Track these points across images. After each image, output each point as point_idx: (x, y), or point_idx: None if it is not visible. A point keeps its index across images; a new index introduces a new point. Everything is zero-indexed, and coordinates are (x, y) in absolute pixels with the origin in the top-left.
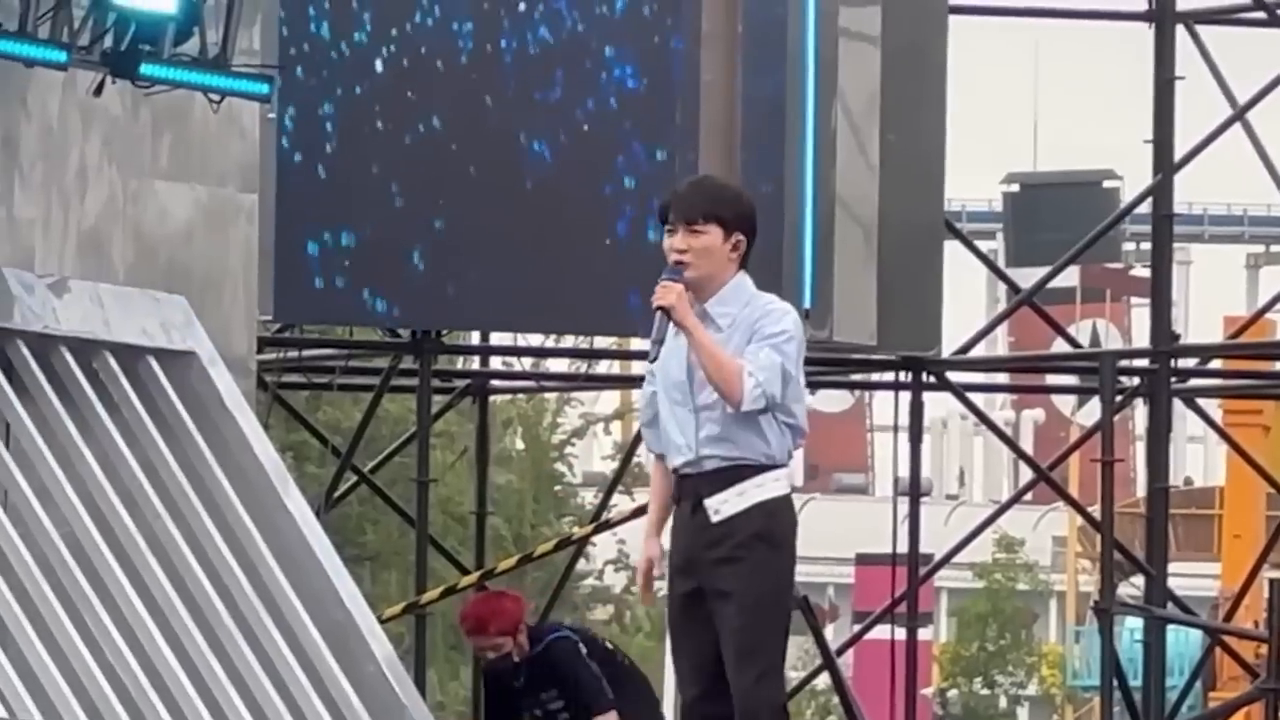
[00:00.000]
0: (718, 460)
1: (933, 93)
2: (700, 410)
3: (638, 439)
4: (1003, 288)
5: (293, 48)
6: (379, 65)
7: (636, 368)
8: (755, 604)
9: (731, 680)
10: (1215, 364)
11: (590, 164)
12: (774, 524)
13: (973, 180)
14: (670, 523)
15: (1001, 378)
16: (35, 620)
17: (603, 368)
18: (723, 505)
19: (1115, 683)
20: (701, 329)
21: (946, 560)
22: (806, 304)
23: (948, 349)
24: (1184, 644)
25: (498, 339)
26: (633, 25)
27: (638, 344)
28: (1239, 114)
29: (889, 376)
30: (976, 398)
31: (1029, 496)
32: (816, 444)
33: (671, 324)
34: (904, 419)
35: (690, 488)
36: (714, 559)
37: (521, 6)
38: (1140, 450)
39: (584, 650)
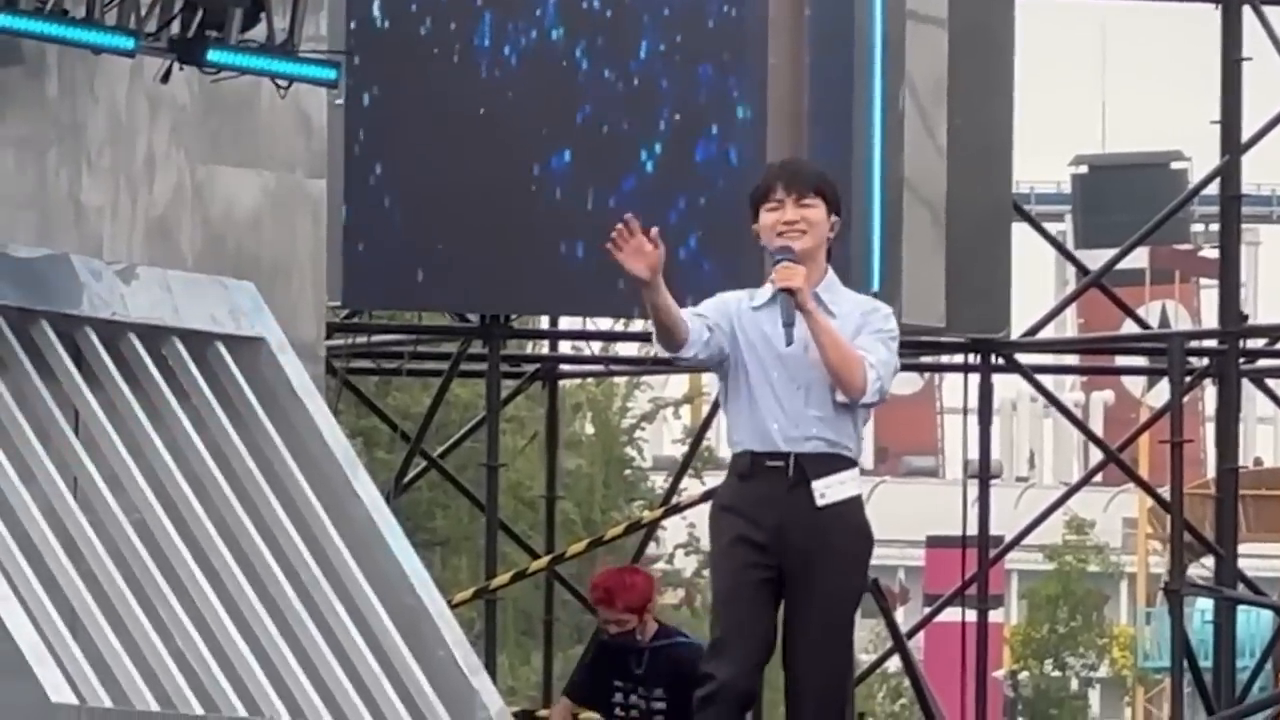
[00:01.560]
0: (821, 444)
1: (1000, 75)
2: (809, 389)
3: (707, 422)
4: (1071, 270)
5: (364, 33)
6: (454, 55)
7: None
8: (849, 598)
9: (811, 662)
10: None
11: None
12: (867, 520)
13: (1041, 162)
14: (736, 495)
15: (1070, 359)
16: (106, 607)
17: None
18: (828, 490)
19: (1185, 664)
20: (821, 312)
21: (1016, 542)
22: (875, 286)
23: (1016, 331)
24: (1255, 625)
25: (567, 323)
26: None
27: None
28: None
29: (958, 359)
30: (1045, 379)
31: (1099, 478)
32: (886, 427)
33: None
34: (973, 401)
35: (784, 466)
36: (817, 545)
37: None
38: (1210, 431)
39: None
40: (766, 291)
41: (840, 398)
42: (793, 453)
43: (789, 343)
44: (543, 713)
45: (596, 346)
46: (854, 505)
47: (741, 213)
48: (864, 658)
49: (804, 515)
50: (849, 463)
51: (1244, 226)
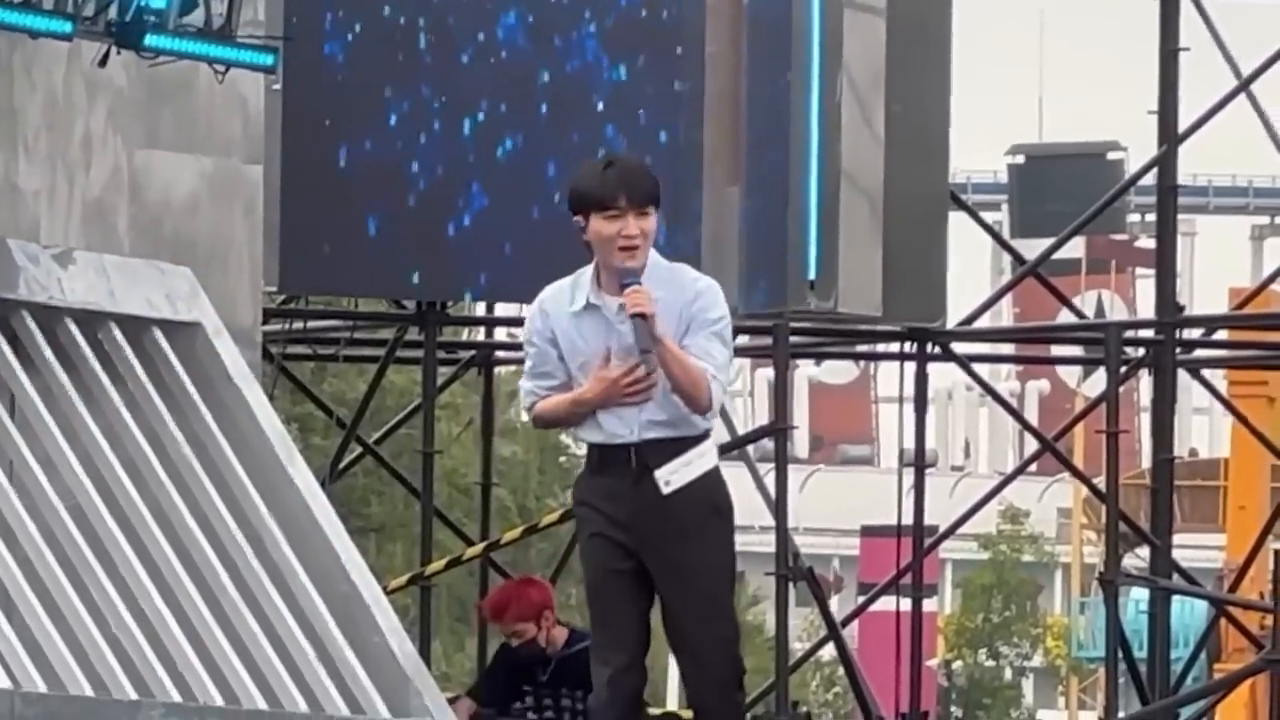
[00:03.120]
0: (661, 429)
1: (938, 64)
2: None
3: None
4: (1008, 259)
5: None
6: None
7: None
8: (721, 572)
9: (701, 646)
10: (1220, 335)
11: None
12: (720, 493)
13: (978, 152)
14: (588, 489)
15: (1006, 349)
16: (40, 590)
17: None
18: (672, 476)
19: (1120, 654)
20: (669, 337)
21: (951, 532)
22: (811, 274)
23: (952, 320)
24: (1189, 615)
25: (503, 310)
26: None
27: None
28: (1243, 85)
29: (894, 348)
30: (981, 369)
31: (1034, 468)
32: (821, 415)
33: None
34: (909, 390)
35: (627, 458)
36: (668, 532)
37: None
38: (1145, 422)
39: None
40: (581, 293)
41: None
42: (633, 444)
43: (650, 370)
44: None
45: None
46: (706, 483)
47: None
48: (797, 646)
49: (652, 505)
50: (695, 440)
51: (1180, 217)
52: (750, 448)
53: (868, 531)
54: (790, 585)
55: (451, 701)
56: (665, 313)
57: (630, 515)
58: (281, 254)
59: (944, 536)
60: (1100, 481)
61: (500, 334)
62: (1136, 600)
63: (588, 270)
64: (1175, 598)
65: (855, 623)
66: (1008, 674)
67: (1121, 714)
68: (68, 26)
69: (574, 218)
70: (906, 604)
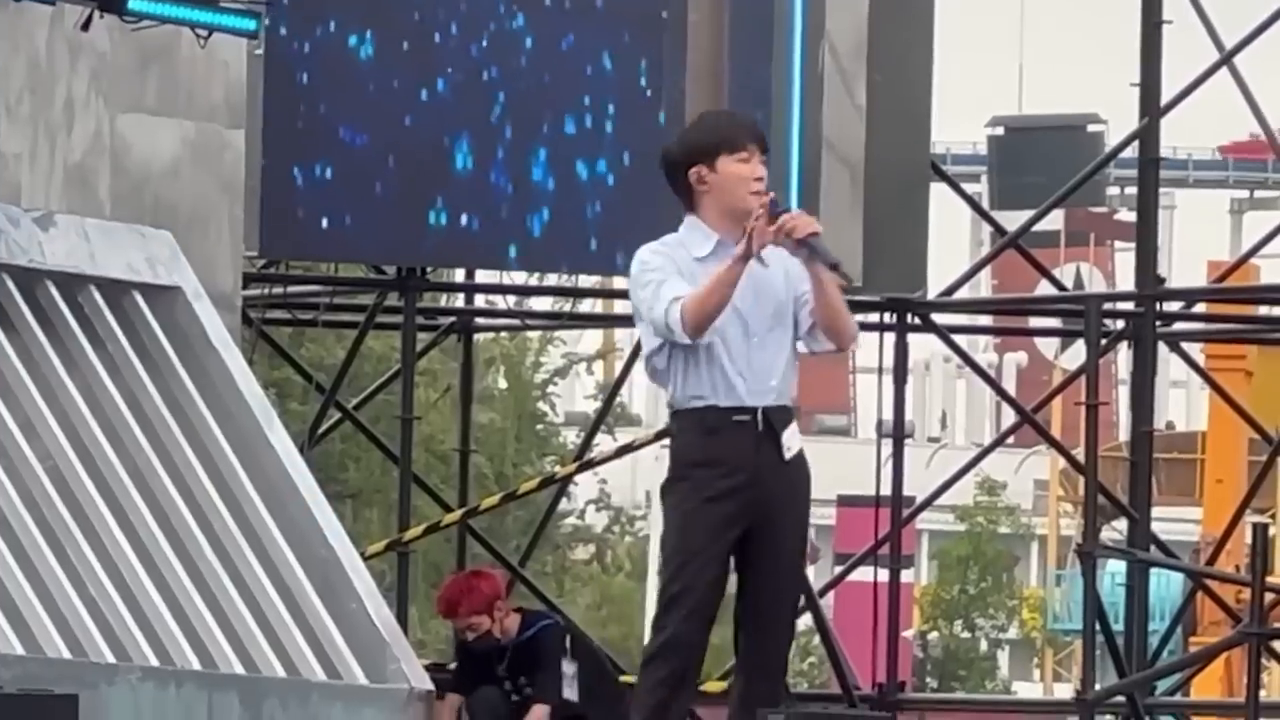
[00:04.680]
0: (780, 395)
1: (920, 35)
2: (764, 342)
3: (620, 379)
4: (987, 230)
5: None
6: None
7: (619, 307)
8: (804, 547)
9: (778, 619)
10: (1199, 309)
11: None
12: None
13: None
14: (704, 451)
15: (985, 320)
16: (17, 552)
17: (585, 307)
18: (791, 441)
19: (1097, 626)
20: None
21: (928, 503)
22: None
23: (932, 291)
24: (1166, 588)
25: (482, 276)
26: None
27: (620, 283)
28: (1225, 59)
29: (873, 318)
30: (960, 340)
31: (1011, 439)
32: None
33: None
34: (888, 361)
35: (753, 420)
36: (783, 495)
37: None
38: (1123, 394)
39: (567, 645)
40: (703, 240)
41: (799, 349)
42: (759, 406)
43: (848, 282)
44: (453, 665)
45: (511, 301)
46: (805, 457)
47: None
48: None
49: (773, 469)
50: (793, 414)
51: (1160, 190)
52: None
53: (844, 502)
54: None
55: (439, 696)
56: (772, 270)
57: (751, 477)
58: (262, 218)
59: (921, 508)
60: (1078, 453)
61: (479, 300)
62: (1113, 573)
63: (689, 227)
64: (1152, 571)
65: (832, 593)
66: (983, 646)
67: (1098, 686)
68: None
69: (688, 169)
70: (883, 575)
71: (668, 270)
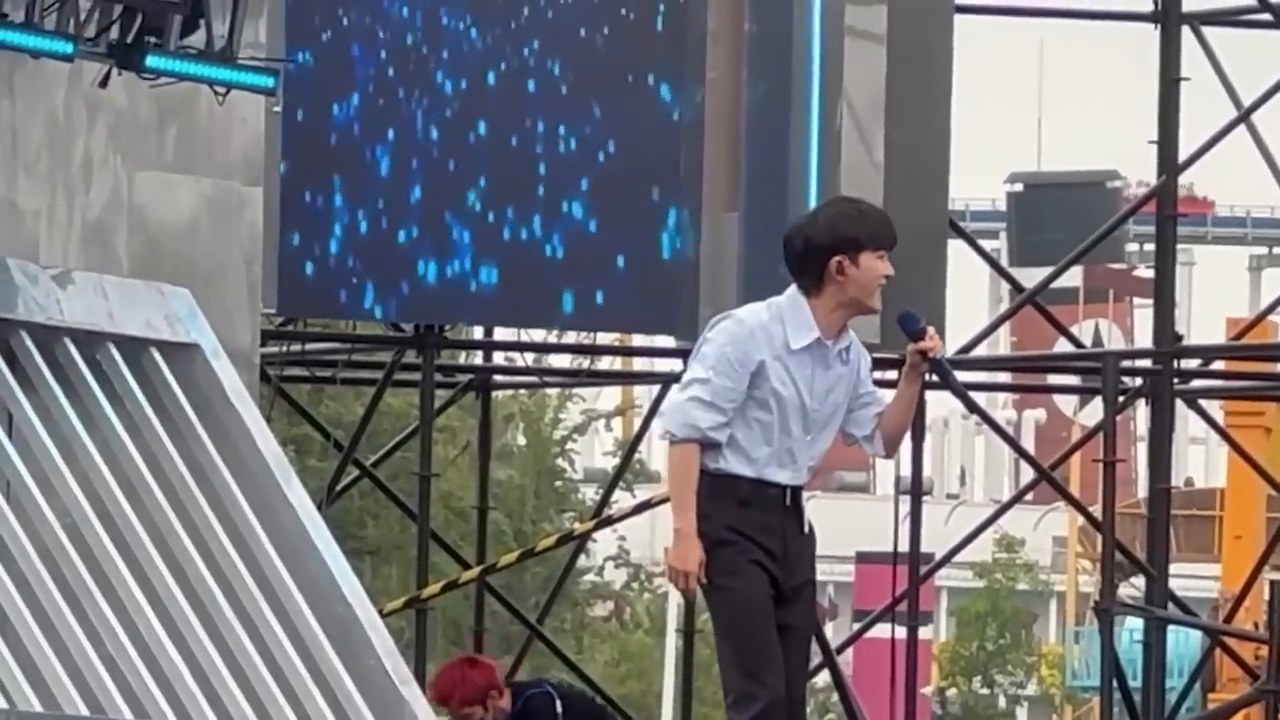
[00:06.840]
0: (806, 476)
1: (938, 92)
2: (816, 439)
3: (639, 436)
4: (1006, 287)
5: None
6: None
7: (638, 364)
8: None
9: (795, 684)
10: (1217, 365)
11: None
12: None
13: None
14: (739, 520)
15: (1003, 377)
16: (36, 610)
17: (605, 364)
18: (809, 516)
19: (1115, 683)
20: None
21: (947, 559)
22: None
23: (951, 348)
24: (1184, 645)
25: (501, 334)
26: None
27: (639, 341)
28: (1243, 116)
29: (891, 375)
30: (979, 397)
31: (1029, 496)
32: None
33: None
34: None
35: (782, 495)
36: (803, 568)
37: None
38: (1142, 451)
39: (559, 708)
40: (805, 331)
41: (843, 435)
42: (793, 486)
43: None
44: None
45: (530, 358)
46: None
47: None
48: None
49: (797, 540)
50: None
51: (1179, 247)
52: None
53: (863, 559)
54: None
55: None
56: (851, 367)
57: (782, 549)
58: (280, 277)
59: (940, 564)
60: (1096, 510)
61: (498, 358)
62: (1131, 630)
63: (795, 307)
64: (1170, 627)
65: (850, 650)
66: (1002, 702)
67: None
68: (69, 47)
69: (830, 255)
70: (901, 631)
71: (739, 373)
